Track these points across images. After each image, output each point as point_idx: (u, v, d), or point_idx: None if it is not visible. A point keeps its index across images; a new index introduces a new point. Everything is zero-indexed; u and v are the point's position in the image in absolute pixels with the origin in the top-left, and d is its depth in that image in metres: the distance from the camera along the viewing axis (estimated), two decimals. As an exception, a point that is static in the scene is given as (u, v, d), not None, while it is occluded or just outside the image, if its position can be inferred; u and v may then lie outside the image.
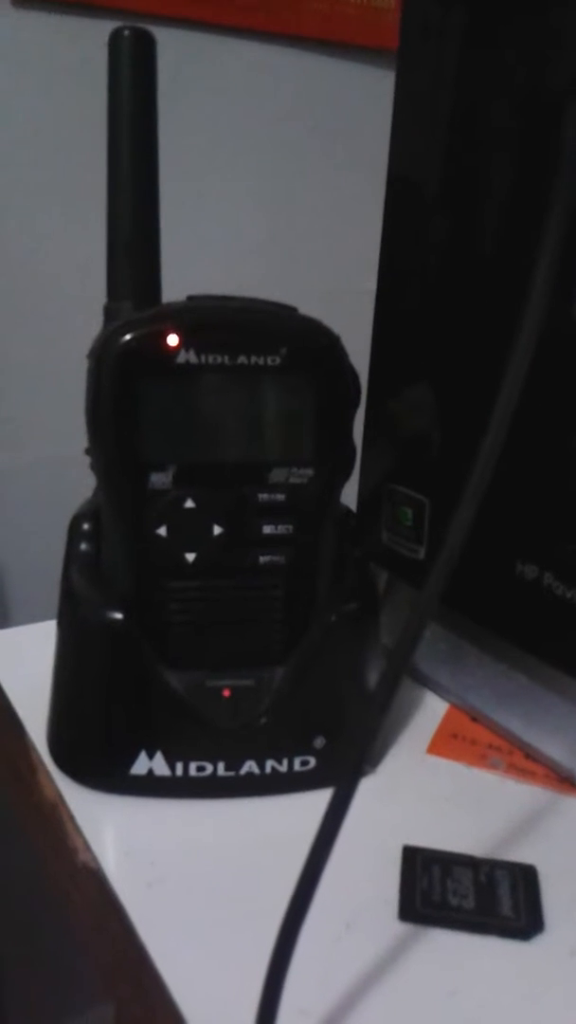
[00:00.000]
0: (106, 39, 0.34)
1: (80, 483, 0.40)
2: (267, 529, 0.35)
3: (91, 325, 0.36)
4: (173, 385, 0.33)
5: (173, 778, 0.35)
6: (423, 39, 0.40)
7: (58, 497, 0.50)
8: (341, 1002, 0.27)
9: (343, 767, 0.24)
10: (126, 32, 0.34)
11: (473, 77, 0.38)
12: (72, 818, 0.35)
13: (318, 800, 0.25)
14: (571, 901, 0.32)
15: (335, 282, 0.71)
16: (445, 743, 0.41)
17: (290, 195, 0.86)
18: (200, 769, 0.35)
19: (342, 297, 0.47)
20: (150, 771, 0.35)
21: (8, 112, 0.72)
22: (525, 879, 0.32)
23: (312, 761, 0.36)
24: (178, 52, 0.78)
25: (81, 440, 0.35)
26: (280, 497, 0.34)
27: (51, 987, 0.98)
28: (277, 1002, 0.23)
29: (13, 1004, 0.96)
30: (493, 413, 0.24)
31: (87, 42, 0.73)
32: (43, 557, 0.59)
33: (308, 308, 0.36)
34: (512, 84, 0.36)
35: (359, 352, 0.39)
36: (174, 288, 0.37)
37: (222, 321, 0.33)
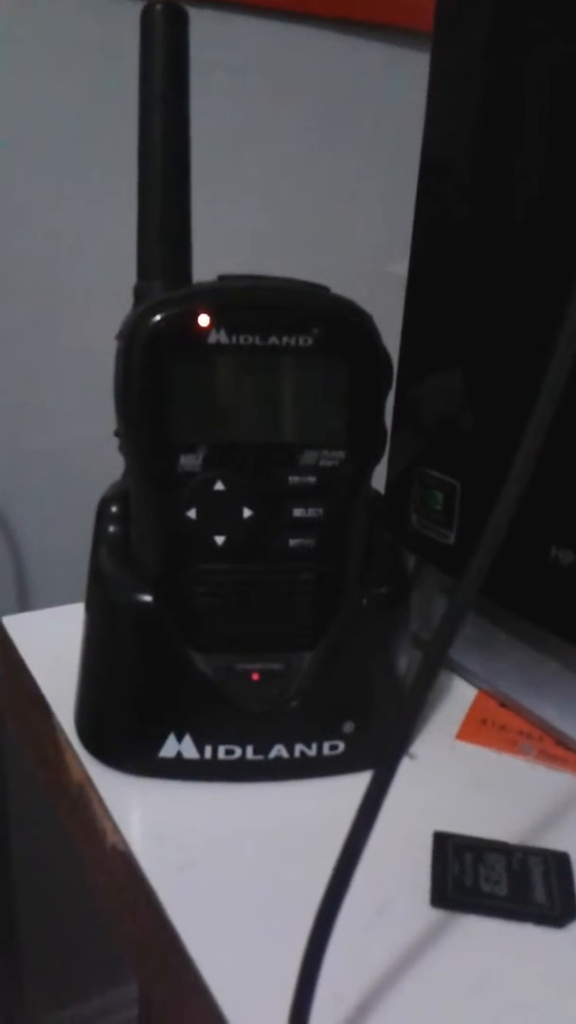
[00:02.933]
0: (131, 16, 0.34)
1: (105, 466, 0.40)
2: (297, 512, 0.34)
3: (119, 306, 0.36)
4: (203, 366, 0.32)
5: (202, 761, 0.35)
6: (458, 19, 0.39)
7: (83, 481, 0.50)
8: (374, 987, 0.27)
9: (378, 749, 0.24)
10: (158, 7, 0.33)
11: (509, 57, 0.37)
12: (101, 800, 0.35)
13: (347, 785, 0.24)
14: (605, 889, 0.31)
15: (364, 264, 0.71)
16: (475, 729, 0.40)
17: (320, 175, 0.85)
18: (229, 752, 0.35)
19: (371, 279, 0.46)
20: (179, 754, 0.35)
21: (36, 91, 0.71)
22: (558, 866, 0.32)
23: (341, 746, 0.36)
24: (212, 32, 0.77)
25: (108, 423, 0.34)
26: (311, 480, 0.34)
27: (72, 967, 0.99)
28: (313, 987, 0.23)
29: (34, 982, 0.97)
30: (538, 397, 0.23)
31: (115, 18, 0.72)
32: (63, 544, 0.59)
33: (337, 290, 0.35)
34: (549, 63, 0.35)
35: (388, 335, 0.38)
36: (204, 268, 0.36)
37: (253, 301, 0.33)
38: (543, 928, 0.30)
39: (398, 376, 0.44)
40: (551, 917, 0.30)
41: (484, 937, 0.29)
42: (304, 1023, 0.23)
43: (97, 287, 0.75)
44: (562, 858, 0.32)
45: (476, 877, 0.31)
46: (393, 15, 0.84)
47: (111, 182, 0.71)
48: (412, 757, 0.38)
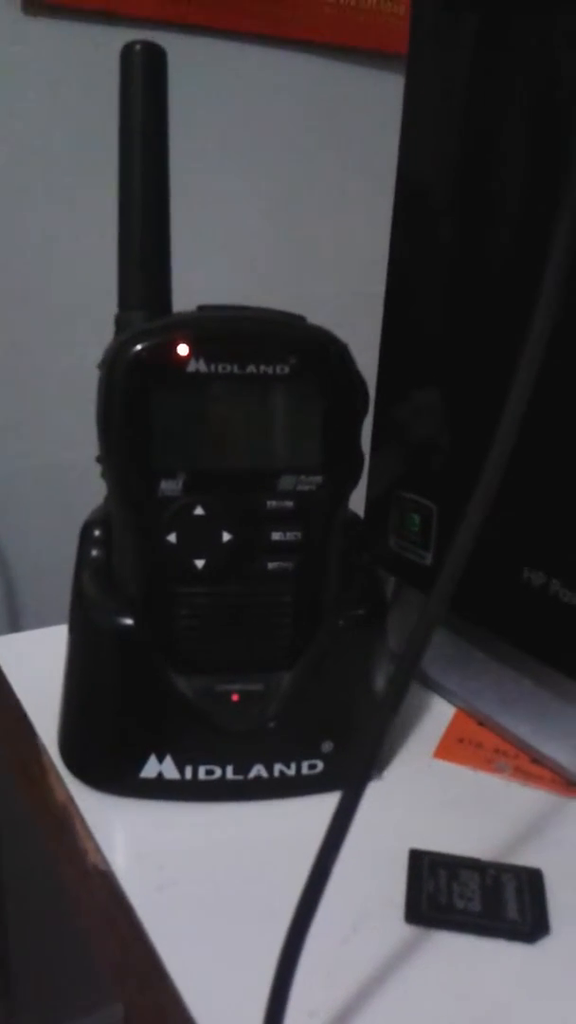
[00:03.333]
0: (116, 46, 0.35)
1: (90, 489, 0.40)
2: (276, 536, 0.35)
3: (102, 334, 0.37)
4: (183, 394, 0.33)
5: (182, 781, 0.36)
6: (432, 43, 0.40)
7: (69, 503, 0.50)
8: (348, 1003, 0.28)
9: (351, 770, 0.25)
10: (137, 47, 0.34)
11: (482, 80, 0.38)
12: (83, 820, 0.35)
13: (326, 804, 0.25)
14: (576, 905, 0.32)
15: (344, 287, 0.72)
16: (452, 747, 0.41)
17: (299, 201, 0.87)
18: (209, 772, 0.36)
19: (351, 301, 0.47)
20: (160, 774, 0.36)
21: (19, 121, 0.73)
22: (531, 883, 0.32)
23: (320, 765, 0.37)
24: (187, 58, 0.78)
25: (91, 447, 0.35)
26: (289, 504, 0.35)
27: (61, 987, 0.99)
28: (285, 1003, 0.23)
29: (23, 1002, 0.97)
30: (503, 416, 0.24)
31: (98, 49, 0.73)
32: (53, 562, 0.60)
33: (317, 312, 0.36)
34: (522, 87, 0.36)
35: (368, 355, 0.39)
36: (185, 297, 0.37)
37: (231, 331, 0.34)
38: (515, 943, 0.30)
39: (376, 400, 0.45)
40: (523, 933, 0.30)
41: (457, 953, 0.30)
42: (276, 1038, 0.23)
43: (91, 308, 0.76)
44: (535, 874, 0.33)
45: (450, 894, 0.32)
46: (374, 41, 0.86)
47: (101, 207, 0.72)
48: (379, 778, 0.39)
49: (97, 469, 0.36)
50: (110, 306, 0.39)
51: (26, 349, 0.79)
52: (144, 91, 0.35)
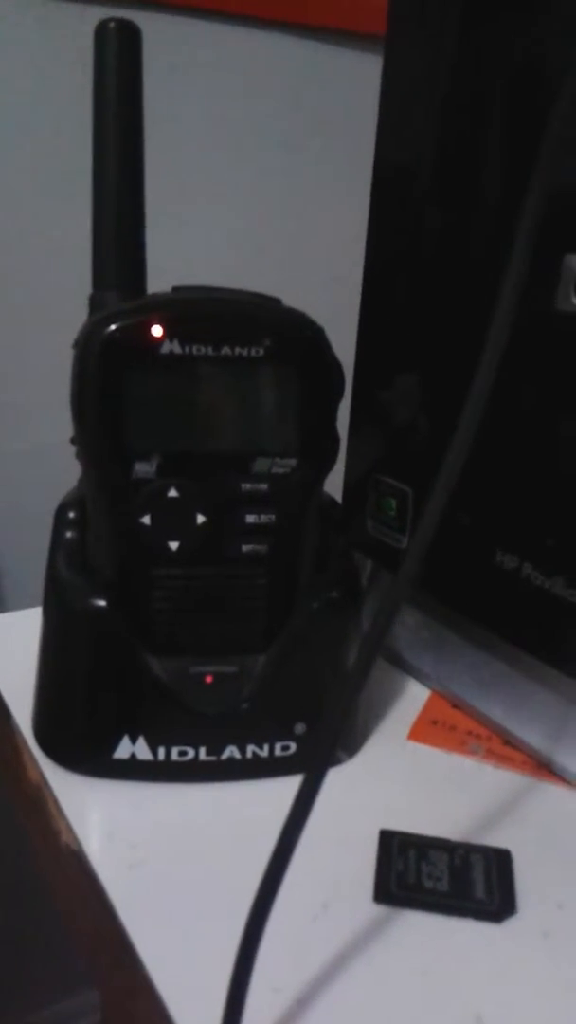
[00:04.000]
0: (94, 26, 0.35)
1: (74, 472, 0.40)
2: (250, 519, 0.35)
3: (81, 313, 0.37)
4: (157, 375, 0.33)
5: (155, 762, 0.36)
6: (411, 23, 0.40)
7: (56, 484, 0.50)
8: (314, 981, 0.28)
9: (316, 749, 0.25)
10: (112, 24, 0.34)
11: (461, 62, 0.38)
12: (56, 801, 0.35)
13: (297, 785, 0.25)
14: (544, 884, 0.32)
15: (321, 271, 0.71)
16: (426, 729, 0.41)
17: (277, 185, 0.86)
18: (182, 754, 0.36)
19: (328, 286, 0.47)
20: (133, 755, 0.36)
21: (4, 100, 0.72)
22: (499, 863, 0.33)
23: (293, 747, 0.37)
24: (170, 39, 0.78)
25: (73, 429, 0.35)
26: (263, 487, 0.35)
27: (35, 971, 0.99)
28: (247, 979, 0.23)
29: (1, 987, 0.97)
30: (468, 394, 0.24)
31: (75, 30, 0.72)
32: (43, 542, 0.60)
33: (293, 297, 0.36)
34: (501, 69, 0.36)
35: (344, 341, 0.39)
36: (161, 280, 0.37)
37: (206, 312, 0.34)
38: (482, 923, 0.31)
39: (353, 384, 0.45)
40: (489, 912, 0.31)
41: (424, 932, 0.30)
42: (238, 1015, 0.23)
43: (69, 287, 0.75)
44: (503, 855, 0.33)
45: (419, 873, 0.32)
46: (350, 21, 0.85)
47: (71, 189, 0.71)
48: (354, 755, 0.39)
49: (74, 451, 0.36)
50: (87, 288, 0.38)
51: (15, 329, 0.78)
52: (118, 69, 0.34)
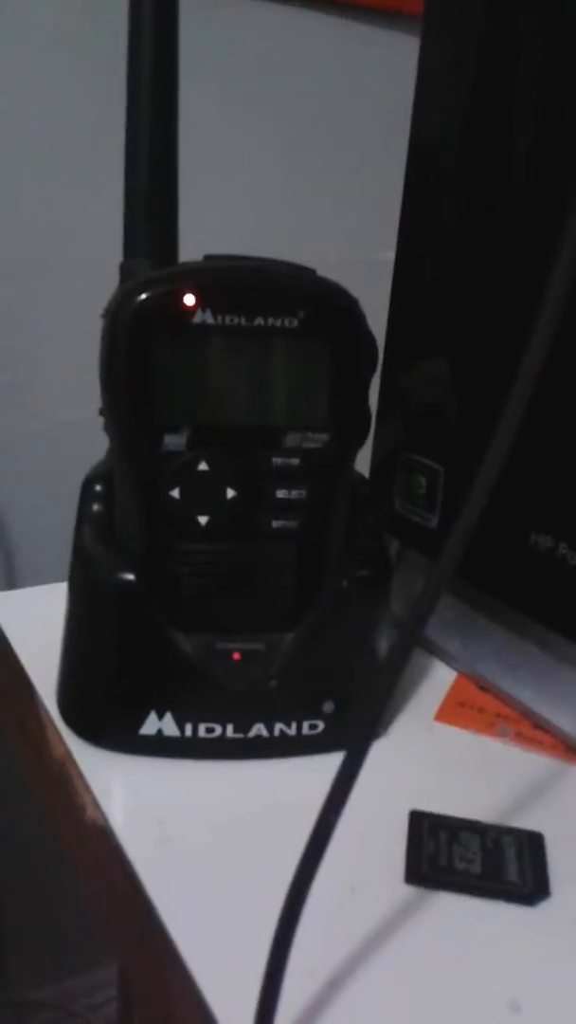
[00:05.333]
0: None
1: (91, 447, 0.40)
2: (280, 494, 0.34)
3: (105, 284, 0.36)
4: (189, 346, 0.32)
5: (182, 739, 0.35)
6: (448, 4, 0.39)
7: (65, 463, 0.50)
8: (347, 962, 0.28)
9: (355, 728, 0.24)
10: None
11: (499, 44, 0.37)
12: (81, 776, 0.35)
13: (325, 764, 0.25)
14: (577, 869, 0.32)
15: (352, 251, 0.70)
16: (453, 711, 0.41)
17: (310, 161, 0.85)
18: (209, 731, 0.36)
19: (358, 266, 0.46)
20: (159, 731, 0.35)
21: (20, 63, 0.71)
22: (532, 845, 0.32)
23: (320, 725, 0.36)
24: (197, 11, 0.76)
25: (94, 404, 0.34)
26: (294, 461, 0.34)
27: (56, 945, 1.00)
28: (285, 961, 0.23)
29: (17, 960, 0.98)
30: (516, 379, 0.23)
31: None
32: (55, 520, 0.59)
33: (324, 274, 0.35)
34: (539, 51, 0.35)
35: (373, 322, 0.38)
36: (190, 249, 0.36)
37: (240, 281, 0.33)
38: (515, 906, 0.30)
39: (383, 362, 0.44)
40: (523, 895, 0.30)
41: (457, 914, 0.30)
42: (275, 996, 0.23)
43: (86, 265, 0.74)
44: (535, 838, 0.33)
45: (450, 855, 0.31)
46: (395, 1, 0.84)
47: (97, 159, 0.70)
48: (384, 735, 0.39)
49: (94, 430, 0.35)
50: (107, 264, 0.38)
51: (21, 310, 0.78)
52: (154, 26, 0.33)
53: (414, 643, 0.24)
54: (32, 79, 0.71)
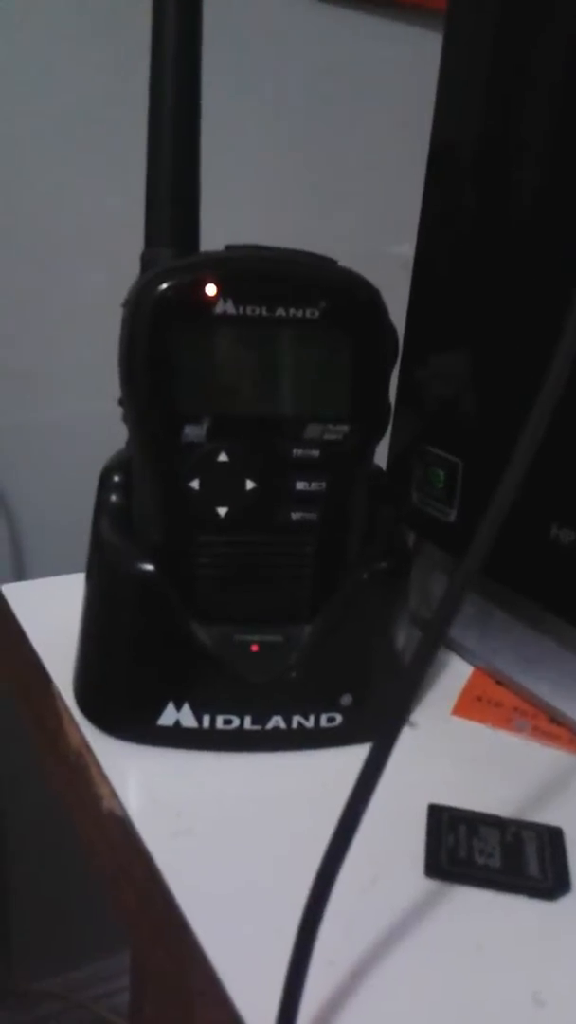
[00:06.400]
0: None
1: (103, 438, 0.39)
2: (300, 485, 0.34)
3: (119, 275, 0.36)
4: (209, 336, 0.32)
5: (200, 730, 0.35)
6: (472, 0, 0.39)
7: (80, 452, 0.50)
8: (367, 954, 0.27)
9: (378, 722, 0.24)
10: None
11: (521, 39, 0.37)
12: (98, 766, 0.35)
13: (343, 757, 0.25)
14: (596, 864, 0.32)
15: (372, 244, 0.70)
16: (470, 705, 0.41)
17: (331, 154, 0.85)
18: (227, 722, 0.35)
19: (378, 260, 0.46)
20: (177, 722, 0.35)
21: (39, 51, 0.71)
22: (552, 840, 0.32)
23: (338, 718, 0.36)
24: (214, 3, 0.76)
25: (109, 395, 0.34)
26: (314, 453, 0.34)
27: (64, 935, 1.00)
28: (310, 951, 0.23)
29: (24, 950, 0.98)
30: (545, 380, 0.23)
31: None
32: (65, 512, 0.59)
33: (346, 265, 0.35)
34: (564, 45, 0.35)
35: (393, 315, 0.38)
36: (211, 238, 0.36)
37: (261, 272, 0.33)
38: (535, 900, 0.30)
39: (403, 354, 0.43)
40: (543, 890, 0.30)
41: (477, 907, 0.30)
42: (299, 988, 0.23)
43: (101, 256, 0.74)
44: (555, 833, 0.32)
45: (470, 849, 0.31)
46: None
47: (116, 148, 0.70)
48: (413, 726, 0.38)
49: (105, 421, 0.35)
50: (123, 255, 0.37)
51: (36, 301, 0.78)
52: (179, 16, 0.33)
53: (446, 632, 0.24)
54: (50, 71, 0.71)
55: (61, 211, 0.75)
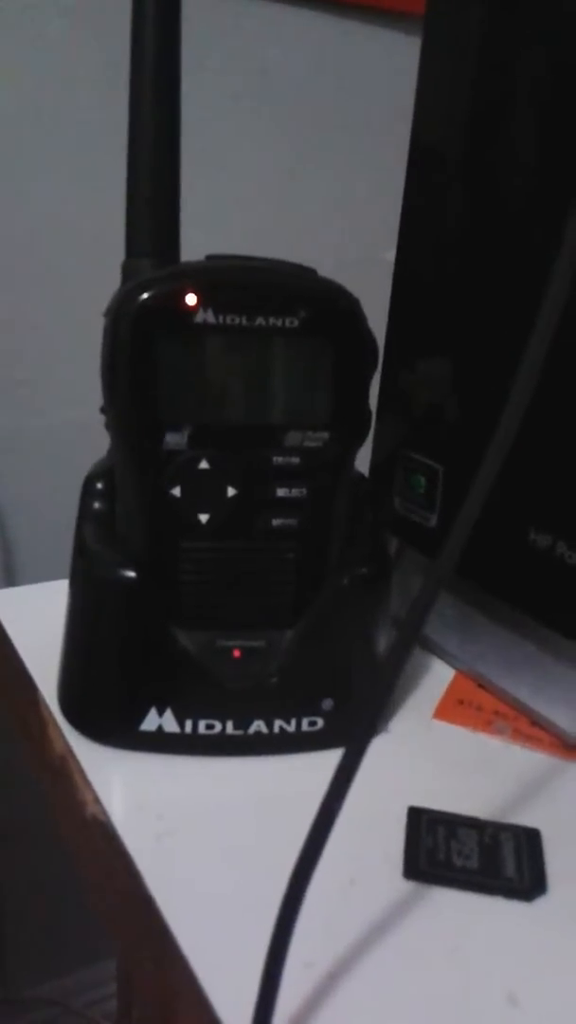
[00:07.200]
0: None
1: (91, 445, 0.40)
2: (281, 492, 0.35)
3: (107, 284, 0.36)
4: (190, 345, 0.33)
5: (182, 735, 0.36)
6: (450, 3, 0.39)
7: (69, 459, 0.50)
8: (345, 956, 0.28)
9: (355, 725, 0.24)
10: None
11: (500, 42, 0.37)
12: (82, 771, 0.35)
13: (324, 761, 0.25)
14: (574, 864, 0.32)
15: (353, 250, 0.71)
16: (451, 708, 0.41)
17: (311, 160, 0.85)
18: (209, 727, 0.36)
19: (359, 265, 0.46)
20: (159, 728, 0.36)
21: (22, 60, 0.71)
22: (529, 842, 0.32)
23: (320, 722, 0.37)
24: (198, 10, 0.76)
25: (95, 403, 0.35)
26: (295, 460, 0.34)
27: (54, 942, 1.00)
28: (284, 954, 0.23)
29: (14, 957, 0.98)
30: (514, 384, 0.23)
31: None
32: (53, 518, 0.60)
33: (326, 275, 0.35)
34: (540, 49, 0.35)
35: (374, 321, 0.38)
36: (192, 248, 0.36)
37: (241, 281, 0.33)
38: (512, 901, 0.30)
39: (384, 361, 0.44)
40: (520, 891, 0.30)
41: (455, 909, 0.30)
42: (274, 989, 0.23)
43: (88, 264, 0.75)
44: (533, 834, 0.33)
45: (448, 851, 0.32)
46: (397, 1, 0.84)
47: (102, 158, 0.70)
48: (386, 731, 0.39)
49: (94, 428, 0.35)
50: (110, 263, 0.38)
51: (32, 302, 0.78)
52: (158, 29, 0.33)
53: (420, 631, 0.24)
54: (33, 79, 0.72)
55: (48, 219, 0.75)
